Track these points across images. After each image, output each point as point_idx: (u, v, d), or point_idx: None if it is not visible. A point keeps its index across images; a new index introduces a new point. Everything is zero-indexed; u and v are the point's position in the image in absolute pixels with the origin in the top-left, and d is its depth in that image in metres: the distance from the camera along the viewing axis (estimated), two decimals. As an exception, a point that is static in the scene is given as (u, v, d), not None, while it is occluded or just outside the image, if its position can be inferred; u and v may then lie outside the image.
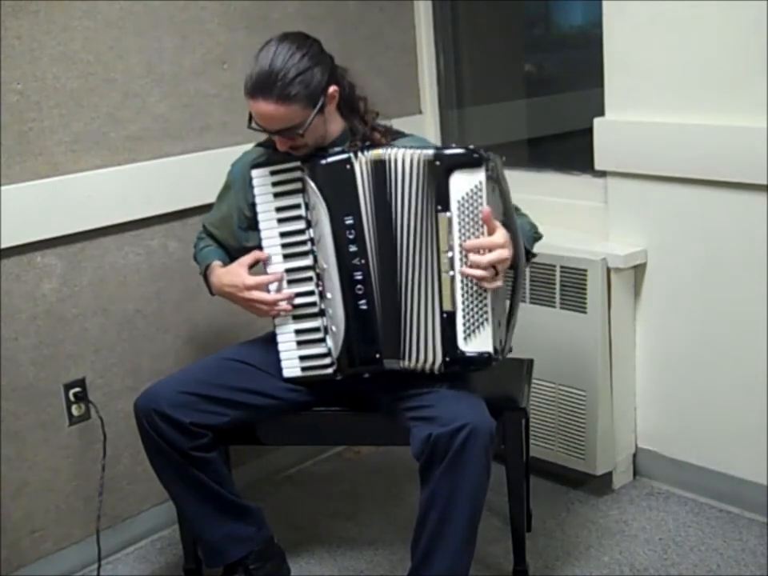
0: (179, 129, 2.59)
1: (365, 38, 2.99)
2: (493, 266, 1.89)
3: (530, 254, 2.11)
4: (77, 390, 2.47)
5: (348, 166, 1.97)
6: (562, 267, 2.61)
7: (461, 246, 1.91)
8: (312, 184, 2.00)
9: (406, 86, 3.15)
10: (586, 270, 2.56)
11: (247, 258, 2.12)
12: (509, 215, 1.97)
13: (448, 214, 1.90)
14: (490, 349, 1.95)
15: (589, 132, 2.65)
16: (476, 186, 1.89)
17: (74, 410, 2.48)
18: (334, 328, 2.04)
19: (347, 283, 2.00)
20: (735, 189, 2.39)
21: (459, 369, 1.98)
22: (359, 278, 1.99)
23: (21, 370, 2.38)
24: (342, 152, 2.01)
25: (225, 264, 2.22)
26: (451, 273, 1.92)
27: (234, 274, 2.12)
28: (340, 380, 2.09)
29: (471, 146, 1.91)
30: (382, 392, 2.12)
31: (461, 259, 1.91)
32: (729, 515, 2.58)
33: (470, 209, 1.90)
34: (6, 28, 2.24)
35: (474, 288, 1.92)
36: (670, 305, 2.61)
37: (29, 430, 2.41)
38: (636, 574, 2.37)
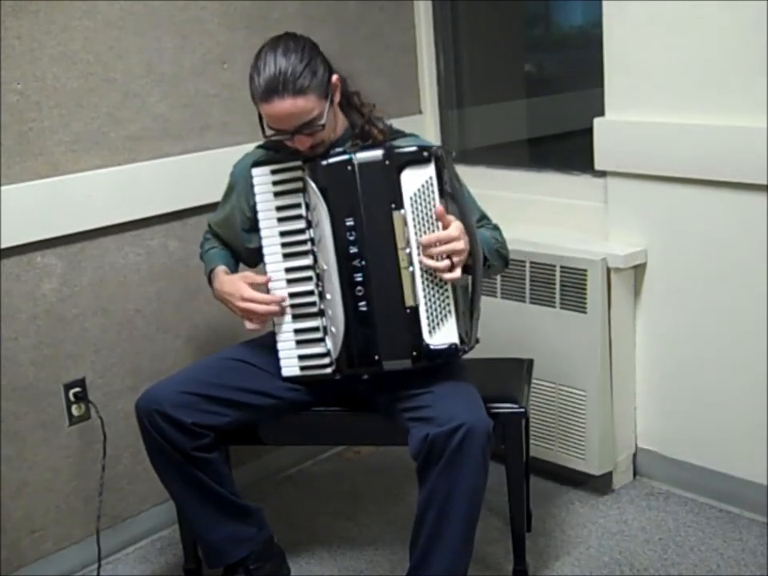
0: (179, 129, 2.59)
1: (365, 38, 2.99)
2: (449, 257, 1.91)
3: (486, 261, 2.09)
4: (77, 389, 2.48)
5: (349, 167, 1.97)
6: (561, 267, 2.61)
7: (417, 241, 1.93)
8: (313, 185, 2.00)
9: (406, 86, 3.15)
10: (585, 270, 2.56)
11: (251, 277, 2.12)
12: (463, 211, 1.99)
13: (402, 211, 1.93)
14: (455, 340, 1.96)
15: (589, 132, 2.65)
16: (426, 182, 1.92)
17: (74, 410, 2.48)
18: (333, 329, 2.04)
19: (347, 284, 2.00)
20: (735, 189, 2.39)
21: (426, 362, 1.98)
22: (359, 279, 1.99)
23: (21, 370, 2.38)
24: (344, 152, 2.01)
25: (229, 267, 2.23)
26: (410, 269, 1.95)
27: (233, 285, 2.12)
28: (339, 380, 2.09)
29: (421, 144, 1.96)
30: (380, 392, 2.12)
31: (418, 254, 1.94)
32: (729, 515, 2.58)
33: (424, 204, 1.93)
34: (6, 28, 2.24)
35: (435, 281, 1.95)
36: (669, 305, 2.61)
37: (29, 430, 2.41)
38: (636, 574, 2.37)
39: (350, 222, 1.98)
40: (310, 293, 2.08)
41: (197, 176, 2.59)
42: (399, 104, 3.08)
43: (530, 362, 2.46)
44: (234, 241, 2.26)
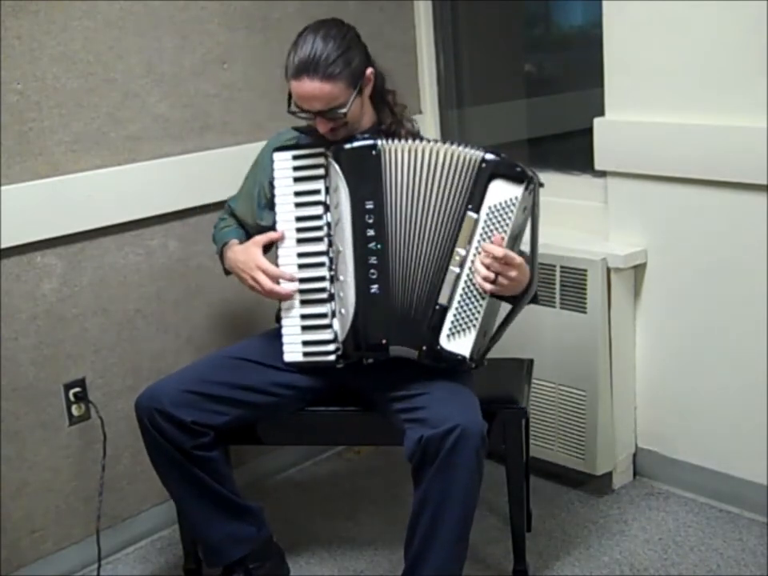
0: (179, 129, 2.59)
1: (365, 38, 2.95)
2: (496, 274, 1.92)
3: (536, 297, 2.12)
4: (77, 389, 2.47)
5: (374, 152, 1.99)
6: (561, 267, 2.61)
7: (476, 248, 1.94)
8: (336, 166, 2.02)
9: (406, 85, 3.14)
10: (585, 270, 2.56)
11: (261, 238, 2.13)
12: (534, 241, 2.01)
13: (475, 215, 1.94)
14: (466, 354, 1.97)
15: (589, 132, 2.65)
16: (510, 200, 1.93)
17: (74, 410, 2.48)
18: (342, 311, 2.03)
19: (361, 267, 2.01)
20: (735, 189, 2.39)
21: (430, 361, 2.00)
22: (374, 262, 2.00)
23: (21, 369, 2.38)
24: (369, 138, 2.03)
25: (243, 242, 2.22)
26: (457, 270, 1.95)
27: (248, 252, 2.12)
28: (339, 371, 2.09)
29: (518, 162, 1.95)
30: (377, 391, 2.12)
31: (472, 261, 1.94)
32: (729, 515, 2.58)
33: (498, 218, 1.93)
34: (6, 28, 2.24)
35: (474, 293, 1.95)
36: (669, 305, 2.61)
37: (29, 430, 2.41)
38: (636, 574, 2.37)
39: (369, 206, 1.99)
40: (321, 278, 2.08)
41: (197, 176, 2.59)
42: (399, 104, 3.08)
43: (530, 362, 2.46)
44: (247, 218, 2.26)
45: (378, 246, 2.00)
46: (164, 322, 2.64)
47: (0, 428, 2.35)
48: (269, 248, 2.16)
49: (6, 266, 2.31)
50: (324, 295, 2.08)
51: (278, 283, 2.08)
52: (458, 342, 1.97)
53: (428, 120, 3.20)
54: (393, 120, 2.15)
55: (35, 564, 2.46)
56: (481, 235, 1.94)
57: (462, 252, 1.95)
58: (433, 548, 1.97)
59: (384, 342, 2.01)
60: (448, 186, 1.97)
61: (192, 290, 2.65)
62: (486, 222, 1.93)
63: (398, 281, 2.01)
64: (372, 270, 2.00)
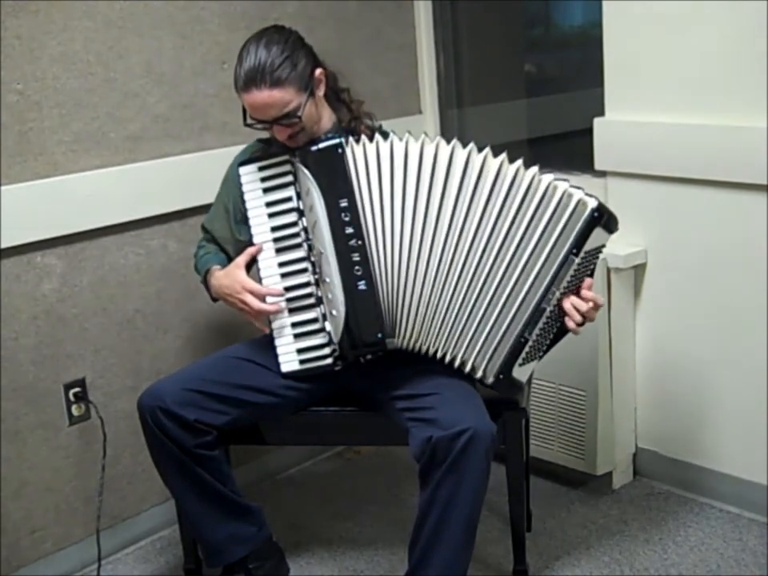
0: (179, 129, 2.59)
1: (365, 38, 2.99)
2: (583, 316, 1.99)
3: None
4: (77, 390, 2.48)
5: (339, 150, 2.00)
6: (562, 267, 2.61)
7: (565, 288, 1.98)
8: (304, 170, 2.02)
9: (406, 85, 3.15)
10: (586, 270, 2.56)
11: (242, 258, 2.13)
12: (593, 276, 2.07)
13: (576, 259, 1.97)
14: (524, 379, 2.04)
15: (589, 132, 2.65)
16: (600, 246, 2.01)
17: (74, 410, 2.48)
18: (334, 312, 2.03)
19: (345, 265, 2.00)
20: (735, 189, 2.39)
21: (498, 388, 2.03)
22: (357, 259, 1.99)
23: (21, 369, 2.38)
24: (334, 137, 2.03)
25: (223, 266, 2.23)
26: (549, 308, 1.99)
27: (231, 275, 2.13)
28: (339, 372, 2.08)
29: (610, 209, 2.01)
30: (379, 390, 2.11)
31: (559, 299, 1.98)
32: (729, 515, 2.58)
33: (587, 261, 2.00)
34: (6, 28, 2.24)
35: (549, 328, 2.01)
36: (669, 305, 2.61)
37: (29, 430, 2.41)
38: (636, 573, 2.37)
39: (343, 204, 1.99)
40: (306, 284, 2.08)
41: (197, 176, 2.59)
42: (399, 104, 3.09)
43: (530, 362, 2.46)
44: (226, 235, 2.26)
45: (359, 243, 1.99)
46: (164, 322, 2.65)
47: (0, 428, 2.35)
48: (250, 265, 2.17)
49: (6, 266, 2.32)
50: (311, 300, 2.08)
51: (264, 301, 2.09)
52: (524, 371, 2.03)
53: (428, 120, 3.20)
54: (351, 117, 2.17)
55: (35, 564, 2.46)
56: (572, 276, 1.98)
57: (557, 292, 1.98)
58: (438, 549, 1.97)
59: (380, 336, 2.01)
60: (544, 220, 1.96)
61: (192, 290, 2.65)
62: (579, 264, 1.98)
63: (391, 275, 2.00)
64: (356, 267, 1.99)
